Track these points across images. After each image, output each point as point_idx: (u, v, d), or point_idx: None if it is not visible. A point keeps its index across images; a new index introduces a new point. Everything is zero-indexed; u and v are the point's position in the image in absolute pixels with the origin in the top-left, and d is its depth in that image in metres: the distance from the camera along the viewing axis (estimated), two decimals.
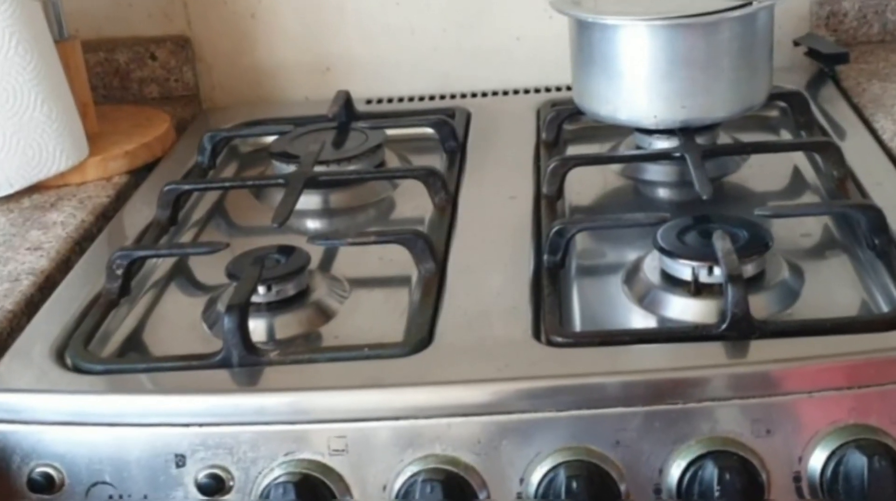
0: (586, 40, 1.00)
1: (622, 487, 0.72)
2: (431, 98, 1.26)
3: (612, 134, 1.08)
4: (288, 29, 1.27)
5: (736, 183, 1.01)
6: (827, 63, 1.18)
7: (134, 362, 0.80)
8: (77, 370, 0.78)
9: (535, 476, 0.72)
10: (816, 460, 0.72)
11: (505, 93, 1.26)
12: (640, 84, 0.98)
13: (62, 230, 0.97)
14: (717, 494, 0.70)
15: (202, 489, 0.74)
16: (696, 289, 0.80)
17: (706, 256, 0.80)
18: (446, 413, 0.72)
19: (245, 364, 0.76)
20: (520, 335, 0.77)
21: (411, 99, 1.26)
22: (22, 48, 1.01)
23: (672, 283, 0.82)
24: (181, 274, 0.93)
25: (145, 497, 0.75)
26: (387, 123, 1.13)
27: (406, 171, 1.06)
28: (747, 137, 1.08)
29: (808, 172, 1.01)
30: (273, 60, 1.28)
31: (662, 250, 0.82)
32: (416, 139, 1.14)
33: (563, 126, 1.10)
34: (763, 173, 1.01)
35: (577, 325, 0.81)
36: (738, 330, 0.74)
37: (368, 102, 1.25)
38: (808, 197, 0.97)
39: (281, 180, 1.00)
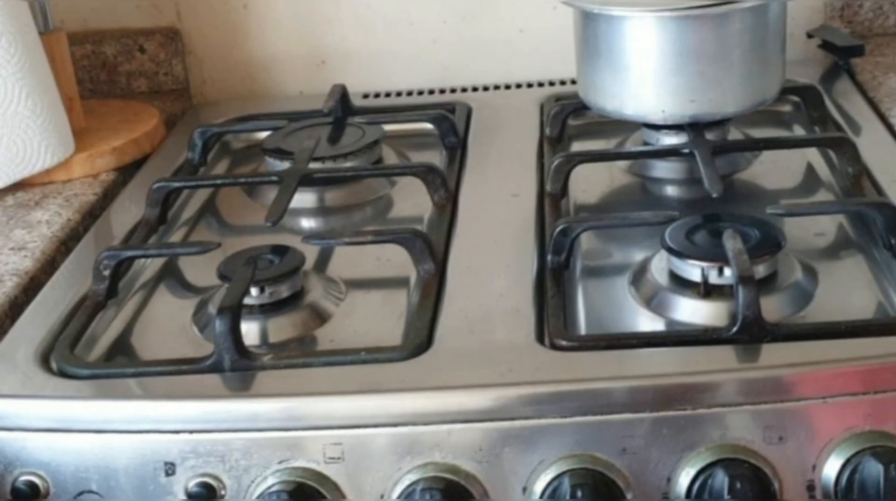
0: (592, 32, 1.00)
1: (629, 496, 0.71)
2: (431, 92, 1.26)
3: (619, 129, 1.08)
4: (281, 20, 1.27)
5: (747, 180, 1.00)
6: (842, 56, 1.18)
7: (122, 366, 0.80)
8: (62, 374, 0.78)
9: (539, 485, 0.71)
10: (831, 468, 0.71)
11: (507, 87, 1.25)
12: (647, 78, 0.97)
13: (47, 230, 0.97)
14: None
15: (193, 498, 0.73)
16: (706, 291, 0.79)
17: (716, 256, 0.79)
18: (446, 420, 0.72)
19: (237, 369, 0.76)
20: (522, 338, 0.76)
21: (410, 93, 1.26)
22: (5, 40, 1.01)
23: (681, 284, 0.81)
24: (171, 275, 0.93)
25: None
26: (384, 119, 1.12)
27: (404, 168, 1.06)
28: (759, 133, 1.08)
29: (822, 169, 1.00)
30: (266, 53, 1.28)
31: (671, 250, 0.82)
32: (415, 135, 1.13)
33: (568, 121, 1.10)
34: (775, 170, 1.01)
35: (582, 328, 0.81)
36: (749, 333, 0.73)
37: (365, 96, 1.25)
38: (822, 195, 0.97)
39: (274, 178, 1.00)
